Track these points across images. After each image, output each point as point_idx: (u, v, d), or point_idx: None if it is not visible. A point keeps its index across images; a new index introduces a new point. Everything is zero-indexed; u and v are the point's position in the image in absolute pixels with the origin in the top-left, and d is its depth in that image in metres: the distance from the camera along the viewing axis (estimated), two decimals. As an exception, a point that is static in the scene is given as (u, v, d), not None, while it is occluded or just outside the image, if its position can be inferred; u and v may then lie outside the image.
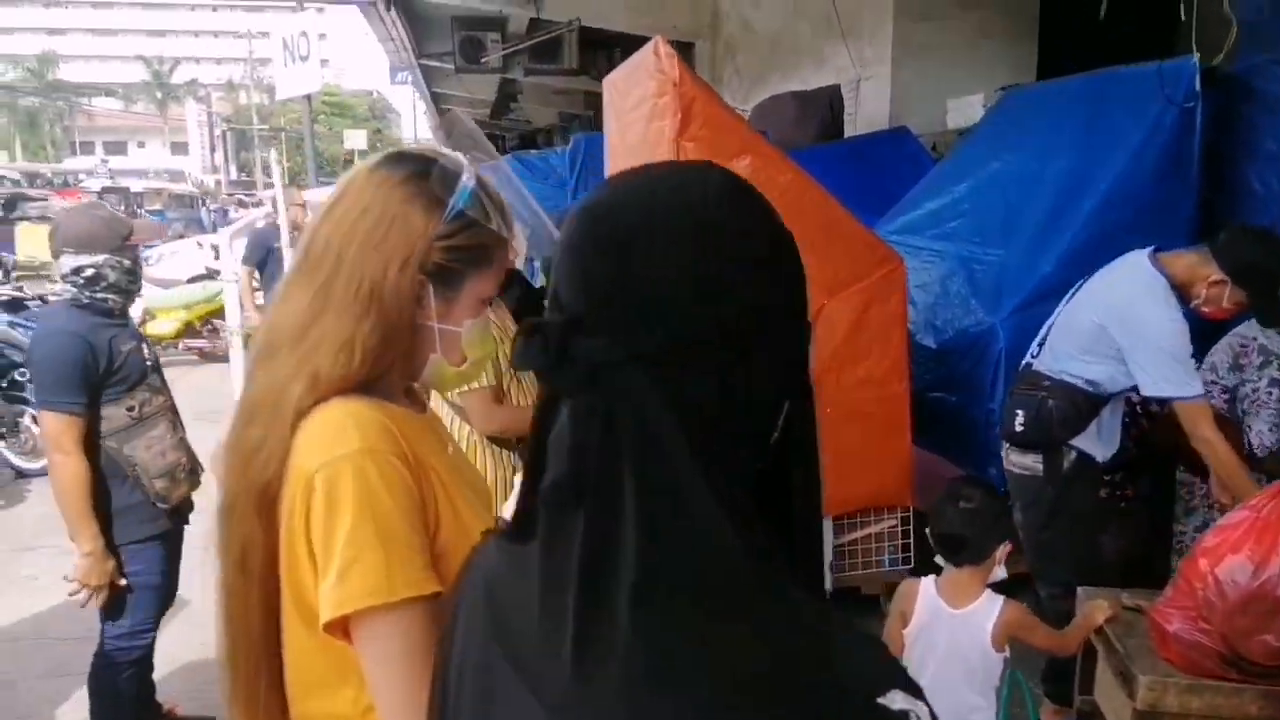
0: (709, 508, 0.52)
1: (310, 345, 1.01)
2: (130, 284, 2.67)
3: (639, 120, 3.34)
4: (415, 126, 40.01)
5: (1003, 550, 2.18)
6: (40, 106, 51.55)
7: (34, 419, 5.74)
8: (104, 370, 2.53)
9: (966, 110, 5.80)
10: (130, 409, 2.59)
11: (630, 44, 12.90)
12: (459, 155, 1.08)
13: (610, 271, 0.56)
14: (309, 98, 17.30)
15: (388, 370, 1.05)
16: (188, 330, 9.02)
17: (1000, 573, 2.21)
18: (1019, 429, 2.75)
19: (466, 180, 1.05)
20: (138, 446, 2.59)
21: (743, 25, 9.30)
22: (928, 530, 2.28)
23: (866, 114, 6.35)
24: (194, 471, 2.78)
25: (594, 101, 18.50)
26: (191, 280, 9.84)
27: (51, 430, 2.47)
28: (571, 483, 0.55)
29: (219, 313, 9.94)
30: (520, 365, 0.56)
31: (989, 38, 6.01)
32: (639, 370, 0.54)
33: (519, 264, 3.41)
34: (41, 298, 7.00)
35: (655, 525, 0.52)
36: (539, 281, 4.28)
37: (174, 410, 2.78)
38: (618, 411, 0.54)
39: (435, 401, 2.77)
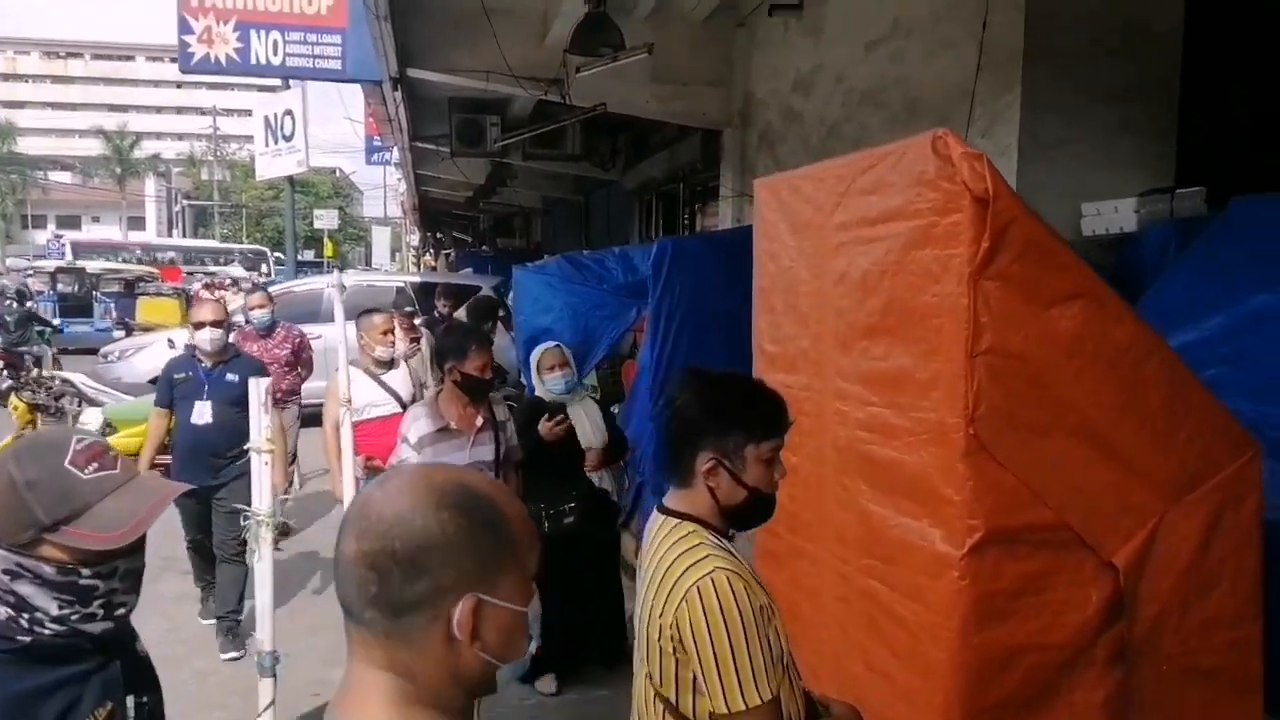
0: None
1: None
2: (88, 618, 1.38)
3: (877, 242, 2.37)
4: (385, 206, 39.22)
5: None
6: (-8, 179, 49.94)
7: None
8: None
9: (1111, 216, 4.99)
10: None
11: (641, 131, 12.29)
12: None
13: None
14: (291, 179, 16.36)
15: None
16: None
17: None
18: None
19: None
20: None
21: (785, 113, 8.54)
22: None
23: (980, 217, 5.51)
24: None
25: (584, 185, 17.81)
26: (161, 384, 8.67)
27: None
28: None
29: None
30: None
31: (1126, 135, 5.24)
32: None
33: None
34: None
35: None
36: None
37: None
38: None
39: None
